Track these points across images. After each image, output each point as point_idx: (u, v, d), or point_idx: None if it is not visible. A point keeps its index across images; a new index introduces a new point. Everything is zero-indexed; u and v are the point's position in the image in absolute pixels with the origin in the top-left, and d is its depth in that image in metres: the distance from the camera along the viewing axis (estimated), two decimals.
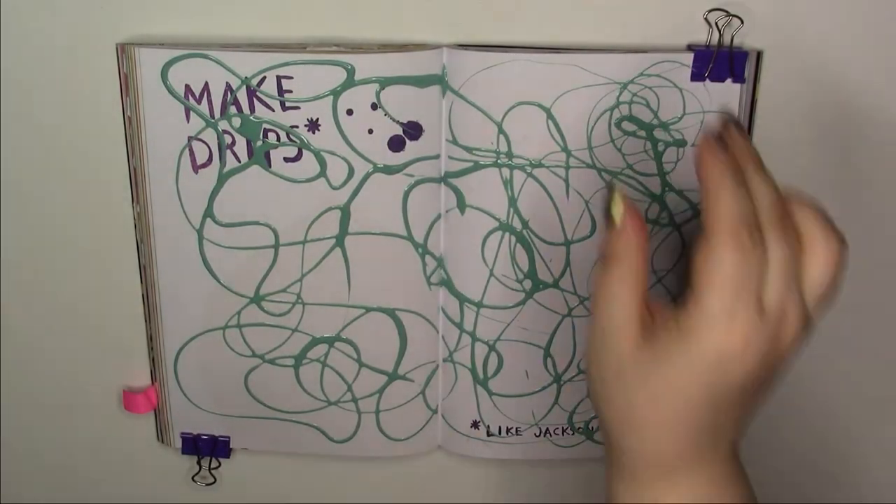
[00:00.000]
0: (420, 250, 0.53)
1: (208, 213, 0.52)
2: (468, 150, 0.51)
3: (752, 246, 0.38)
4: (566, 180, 0.51)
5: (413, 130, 0.50)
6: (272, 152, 0.50)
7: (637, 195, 0.52)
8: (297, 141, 0.50)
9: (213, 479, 0.60)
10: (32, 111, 0.51)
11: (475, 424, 0.57)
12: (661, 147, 0.51)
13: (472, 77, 0.49)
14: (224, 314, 0.54)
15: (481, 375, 0.56)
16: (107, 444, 0.59)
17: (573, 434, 0.58)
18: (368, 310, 0.54)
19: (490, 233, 0.52)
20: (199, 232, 0.52)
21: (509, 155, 0.51)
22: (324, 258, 0.53)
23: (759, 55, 0.50)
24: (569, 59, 0.49)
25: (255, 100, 0.49)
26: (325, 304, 0.54)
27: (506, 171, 0.51)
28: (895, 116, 0.52)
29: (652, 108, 0.50)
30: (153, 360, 0.56)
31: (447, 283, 0.54)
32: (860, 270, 0.56)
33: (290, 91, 0.49)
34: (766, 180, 0.41)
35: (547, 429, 0.57)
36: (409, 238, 0.52)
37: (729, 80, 0.49)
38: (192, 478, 0.60)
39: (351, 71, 0.48)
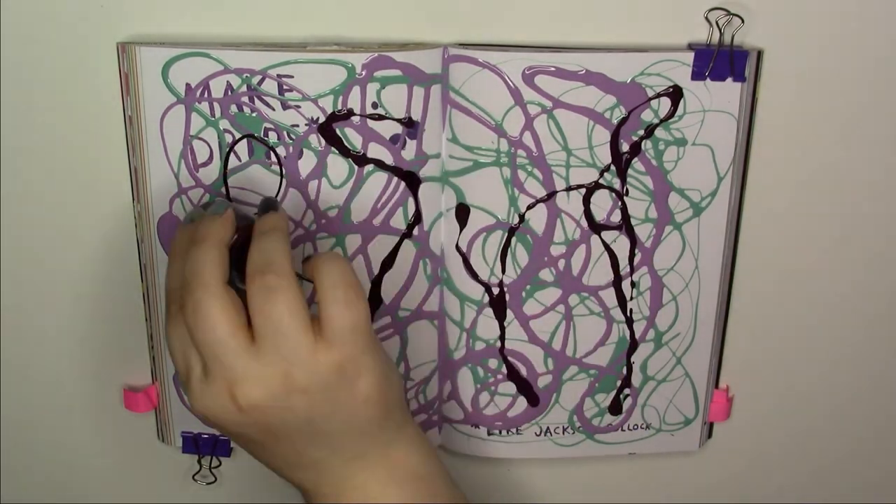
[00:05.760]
0: (421, 249, 0.53)
1: None
2: (468, 149, 0.51)
3: (172, 320, 0.44)
4: (566, 179, 0.51)
5: (413, 129, 0.50)
6: (272, 151, 0.50)
7: (637, 194, 0.52)
8: (298, 140, 0.50)
9: (213, 478, 0.60)
10: (32, 111, 0.51)
11: (475, 424, 0.57)
12: (661, 146, 0.51)
13: (472, 76, 0.49)
14: None
15: (481, 374, 0.56)
16: (107, 443, 0.59)
17: (573, 433, 0.58)
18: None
19: (491, 232, 0.52)
20: None
21: (509, 154, 0.51)
22: None
23: (759, 54, 0.50)
24: (569, 58, 0.49)
25: (255, 99, 0.49)
26: None
27: (506, 170, 0.51)
28: (895, 116, 0.52)
29: (652, 106, 0.50)
30: (153, 359, 0.56)
31: (448, 282, 0.54)
32: (861, 270, 0.56)
33: (291, 90, 0.49)
34: (194, 253, 0.44)
35: (547, 428, 0.58)
36: (410, 236, 0.52)
37: (729, 79, 0.50)
38: (193, 477, 0.60)
39: (351, 70, 0.48)
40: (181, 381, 0.45)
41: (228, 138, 0.50)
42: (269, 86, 0.49)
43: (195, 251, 0.44)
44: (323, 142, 0.50)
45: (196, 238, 0.44)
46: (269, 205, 0.47)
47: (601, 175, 0.51)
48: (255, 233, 0.45)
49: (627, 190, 0.52)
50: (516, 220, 0.52)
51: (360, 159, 0.50)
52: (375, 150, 0.50)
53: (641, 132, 0.51)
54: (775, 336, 0.57)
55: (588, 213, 0.52)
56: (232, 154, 0.50)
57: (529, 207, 0.52)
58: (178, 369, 0.44)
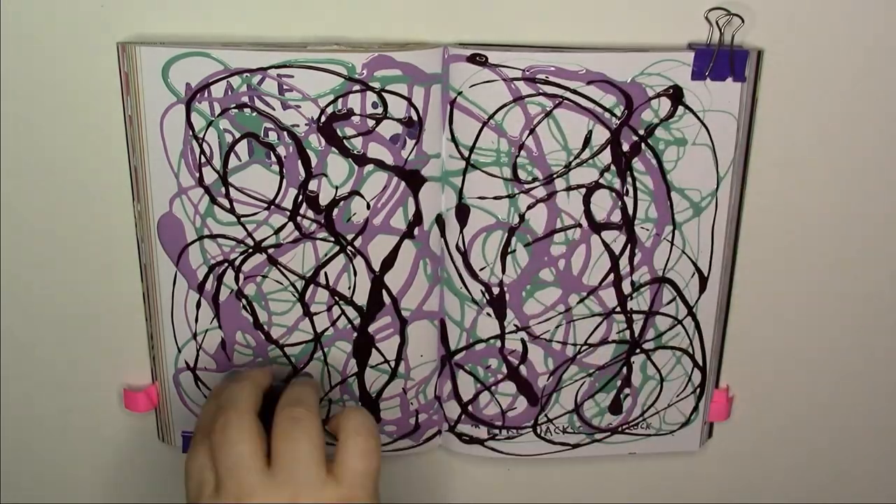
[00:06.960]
0: (421, 249, 0.53)
1: (209, 211, 0.52)
2: (469, 148, 0.51)
3: (196, 446, 0.47)
4: (566, 179, 0.51)
5: (414, 129, 0.50)
6: (272, 151, 0.50)
7: (637, 194, 0.52)
8: (298, 139, 0.50)
9: None
10: (32, 110, 0.51)
11: (475, 423, 0.57)
12: (661, 146, 0.51)
13: (472, 76, 0.49)
14: (225, 313, 0.54)
15: (481, 374, 0.56)
16: (107, 443, 0.59)
17: (573, 433, 0.58)
18: (369, 308, 0.54)
19: (491, 232, 0.52)
20: (200, 231, 0.52)
21: (509, 154, 0.51)
22: (325, 257, 0.53)
23: (759, 54, 0.50)
24: (569, 57, 0.49)
25: (255, 99, 0.49)
26: (325, 303, 0.54)
27: (506, 170, 0.51)
28: (894, 116, 0.52)
29: (652, 106, 0.50)
30: (153, 358, 0.56)
31: (448, 282, 0.54)
32: (861, 269, 0.56)
33: (291, 90, 0.49)
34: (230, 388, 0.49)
35: (547, 428, 0.57)
36: (410, 236, 0.52)
37: (729, 79, 0.50)
38: None
39: (351, 70, 0.48)
40: (191, 501, 0.47)
41: (228, 138, 0.50)
42: (269, 86, 0.49)
43: (234, 385, 0.49)
44: (323, 142, 0.50)
45: (236, 378, 0.50)
46: (306, 374, 0.54)
47: (601, 175, 0.51)
48: (290, 383, 0.50)
49: (627, 190, 0.52)
50: (516, 220, 0.52)
51: (360, 159, 0.50)
52: (375, 150, 0.50)
53: (641, 132, 0.51)
54: (775, 336, 0.57)
55: (588, 213, 0.52)
56: (232, 154, 0.50)
57: (529, 207, 0.52)
58: (191, 490, 0.47)
